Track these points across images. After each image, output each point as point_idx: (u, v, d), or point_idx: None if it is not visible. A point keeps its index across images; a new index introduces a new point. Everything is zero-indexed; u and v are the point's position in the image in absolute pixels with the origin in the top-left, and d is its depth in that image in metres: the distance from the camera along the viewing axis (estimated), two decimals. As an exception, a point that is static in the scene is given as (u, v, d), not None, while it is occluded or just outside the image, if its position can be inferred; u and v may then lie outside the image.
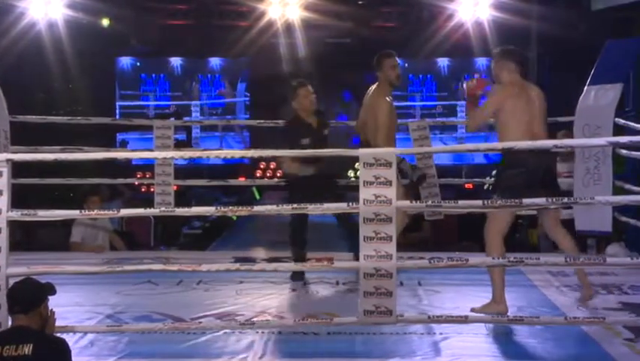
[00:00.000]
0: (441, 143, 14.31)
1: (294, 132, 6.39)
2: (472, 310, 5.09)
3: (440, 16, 12.57)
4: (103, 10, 12.04)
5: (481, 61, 15.37)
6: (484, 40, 12.21)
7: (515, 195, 4.81)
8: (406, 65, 14.93)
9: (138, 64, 16.00)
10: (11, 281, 4.52)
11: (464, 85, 5.72)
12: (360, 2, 13.26)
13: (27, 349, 3.35)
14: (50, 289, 3.70)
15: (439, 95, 15.74)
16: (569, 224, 6.97)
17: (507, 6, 11.60)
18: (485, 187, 10.74)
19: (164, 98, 16.27)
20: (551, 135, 6.64)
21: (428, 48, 13.24)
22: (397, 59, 6.35)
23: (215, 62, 16.13)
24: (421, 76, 15.69)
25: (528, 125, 5.22)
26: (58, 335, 3.86)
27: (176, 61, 16.08)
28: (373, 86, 6.37)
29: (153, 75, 16.14)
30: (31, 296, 3.59)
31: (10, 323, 4.37)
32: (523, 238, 10.46)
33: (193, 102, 16.24)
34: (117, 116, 14.65)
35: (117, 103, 15.68)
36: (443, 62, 15.57)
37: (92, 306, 5.40)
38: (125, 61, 15.59)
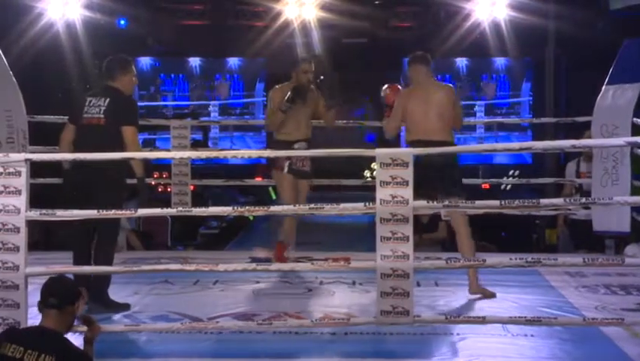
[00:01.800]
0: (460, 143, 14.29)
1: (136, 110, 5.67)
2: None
3: (457, 16, 12.54)
4: (119, 11, 12.09)
5: (500, 61, 15.30)
6: (501, 39, 12.18)
7: None
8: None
9: (157, 64, 16.06)
10: (30, 280, 4.57)
11: (382, 93, 6.24)
12: (376, 2, 13.26)
13: (49, 360, 3.31)
14: (81, 293, 3.67)
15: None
16: (586, 225, 6.96)
17: (524, 5, 11.57)
18: (502, 187, 10.73)
19: (183, 98, 16.33)
20: (575, 135, 6.65)
21: (445, 48, 13.21)
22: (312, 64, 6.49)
23: (233, 62, 16.16)
24: (439, 76, 15.63)
25: (424, 124, 5.68)
26: (77, 335, 3.87)
27: (194, 61, 16.12)
28: (281, 85, 6.61)
29: (172, 75, 16.20)
30: (68, 291, 3.54)
31: (28, 321, 4.43)
32: (541, 238, 10.44)
33: (212, 102, 16.28)
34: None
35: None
36: (462, 61, 15.53)
37: (109, 305, 5.41)
38: (145, 61, 15.64)
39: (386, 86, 6.28)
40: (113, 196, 5.21)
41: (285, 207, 5.03)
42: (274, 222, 6.67)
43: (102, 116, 5.40)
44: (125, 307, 5.33)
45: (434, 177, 5.45)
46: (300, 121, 6.47)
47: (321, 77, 6.53)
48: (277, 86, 6.60)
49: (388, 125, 6.03)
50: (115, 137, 5.30)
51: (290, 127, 6.42)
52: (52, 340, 3.40)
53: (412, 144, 5.68)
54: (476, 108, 15.65)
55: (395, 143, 6.08)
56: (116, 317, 5.17)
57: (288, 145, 6.32)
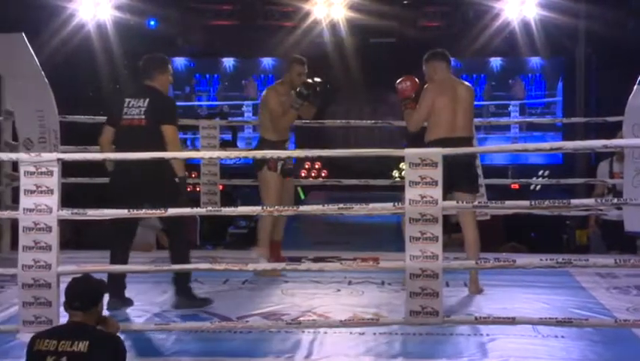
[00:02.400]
0: (493, 143, 14.12)
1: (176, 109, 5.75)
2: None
3: (486, 16, 12.48)
4: (149, 11, 12.17)
5: (535, 60, 15.13)
6: (531, 39, 12.10)
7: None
8: (459, 64, 14.80)
9: (192, 65, 16.10)
10: (62, 279, 4.61)
11: (397, 86, 6.02)
12: (405, 2, 13.22)
13: (82, 346, 3.35)
14: (105, 287, 3.70)
15: (493, 94, 15.56)
16: (617, 225, 6.89)
17: (554, 5, 11.48)
18: (532, 187, 10.67)
19: (217, 98, 16.39)
20: (606, 135, 6.60)
21: (474, 48, 13.14)
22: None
23: (267, 62, 16.18)
24: (475, 75, 15.51)
25: (452, 121, 5.70)
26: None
27: (228, 61, 16.14)
28: (271, 86, 6.65)
29: (207, 76, 16.26)
30: (92, 293, 3.58)
31: (60, 319, 4.48)
32: (571, 238, 10.37)
33: (245, 102, 16.32)
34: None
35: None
36: (496, 61, 15.40)
37: (140, 304, 5.44)
38: (179, 62, 15.65)
39: (403, 78, 6.06)
40: (164, 195, 5.16)
41: (315, 207, 5.03)
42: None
43: (143, 116, 5.38)
44: (208, 302, 5.41)
45: (456, 175, 5.44)
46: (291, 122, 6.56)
47: (318, 80, 6.50)
48: (269, 88, 6.59)
49: (414, 118, 5.88)
50: (156, 137, 5.29)
51: (285, 128, 6.48)
52: (83, 329, 3.47)
53: (436, 142, 5.60)
54: (510, 108, 15.48)
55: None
56: (147, 316, 5.21)
57: (282, 145, 6.37)
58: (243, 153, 5.23)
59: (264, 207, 5.04)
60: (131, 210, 4.78)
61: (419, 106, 5.83)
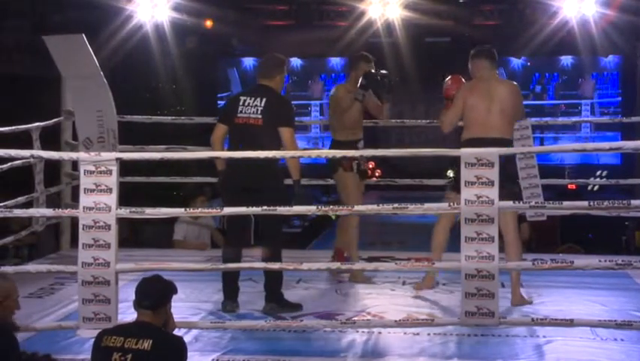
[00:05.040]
0: (564, 142, 13.87)
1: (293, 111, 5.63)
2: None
3: (543, 14, 12.31)
4: (206, 12, 12.27)
5: (608, 58, 14.84)
6: (590, 37, 11.92)
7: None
8: (529, 63, 14.62)
9: None
10: (120, 277, 4.68)
11: (444, 85, 5.94)
12: (460, 0, 13.13)
13: (147, 344, 3.41)
14: (175, 288, 3.73)
15: (564, 93, 15.31)
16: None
17: (614, 2, 11.27)
18: (589, 188, 10.51)
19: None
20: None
21: (531, 46, 12.99)
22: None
23: (335, 61, 16.15)
24: (547, 74, 15.29)
25: (484, 121, 5.50)
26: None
27: (295, 61, 16.13)
28: (339, 84, 6.53)
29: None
30: (161, 293, 3.63)
31: (118, 316, 4.55)
32: (631, 240, 10.19)
33: (313, 102, 16.32)
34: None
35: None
36: (567, 59, 15.14)
37: (196, 303, 5.50)
38: (248, 62, 15.68)
39: (449, 77, 5.97)
40: (272, 197, 5.03)
41: (370, 206, 5.02)
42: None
43: (259, 116, 5.29)
44: (298, 307, 5.34)
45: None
46: (360, 119, 6.30)
47: (384, 72, 6.38)
48: (337, 86, 6.45)
49: (446, 118, 5.74)
50: (272, 138, 5.23)
51: (353, 125, 6.24)
52: (149, 328, 3.54)
53: (467, 142, 5.43)
54: (582, 107, 15.19)
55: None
56: (202, 314, 5.26)
57: (353, 145, 6.16)
58: (315, 152, 5.19)
59: (319, 207, 5.04)
60: (187, 209, 4.83)
61: (452, 106, 5.70)
